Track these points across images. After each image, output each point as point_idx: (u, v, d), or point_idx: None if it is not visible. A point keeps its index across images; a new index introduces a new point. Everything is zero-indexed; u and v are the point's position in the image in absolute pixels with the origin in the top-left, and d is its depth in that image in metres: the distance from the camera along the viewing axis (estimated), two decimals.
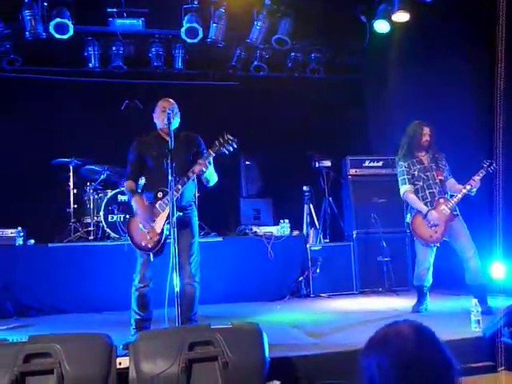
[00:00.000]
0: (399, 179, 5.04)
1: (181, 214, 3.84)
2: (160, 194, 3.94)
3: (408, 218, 5.01)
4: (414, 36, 6.51)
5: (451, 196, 4.85)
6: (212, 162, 3.99)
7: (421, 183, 4.92)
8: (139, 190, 4.21)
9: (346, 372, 3.34)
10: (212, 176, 4.09)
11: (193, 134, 4.25)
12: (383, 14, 6.55)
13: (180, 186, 3.82)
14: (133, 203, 4.02)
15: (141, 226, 3.95)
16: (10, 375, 2.63)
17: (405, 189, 4.97)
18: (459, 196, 4.74)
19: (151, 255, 3.92)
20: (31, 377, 2.71)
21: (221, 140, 3.87)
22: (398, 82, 7.18)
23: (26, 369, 2.69)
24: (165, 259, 3.89)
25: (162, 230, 3.89)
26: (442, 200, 4.80)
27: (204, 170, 3.88)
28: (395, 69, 7.22)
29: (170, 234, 3.71)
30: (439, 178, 4.90)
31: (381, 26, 6.59)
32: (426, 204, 4.84)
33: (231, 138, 3.89)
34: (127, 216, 6.23)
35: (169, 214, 3.76)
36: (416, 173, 4.93)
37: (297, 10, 6.88)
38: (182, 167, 3.91)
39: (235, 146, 3.96)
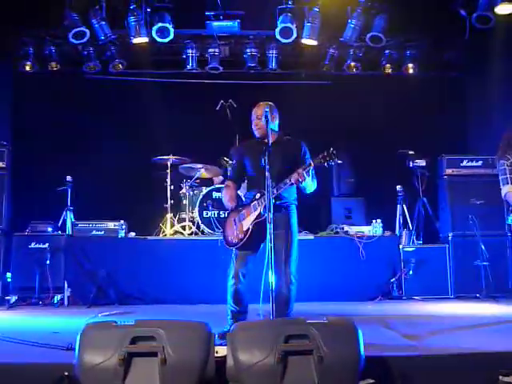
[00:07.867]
0: (500, 179, 4.77)
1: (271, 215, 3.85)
2: (258, 196, 4.03)
3: (510, 220, 4.75)
4: None
5: None
6: (312, 172, 3.97)
7: None
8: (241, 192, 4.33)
9: (444, 376, 3.26)
10: (309, 186, 4.05)
11: (296, 140, 4.25)
12: (485, 6, 6.25)
13: (275, 191, 3.83)
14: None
15: (233, 222, 4.11)
16: (118, 355, 2.82)
17: (507, 189, 4.69)
18: None
19: (238, 250, 4.04)
20: (137, 358, 2.86)
21: (325, 153, 3.87)
22: (502, 80, 6.81)
23: (132, 350, 2.85)
24: (263, 256, 3.97)
25: (249, 228, 3.98)
26: None
27: (300, 180, 3.88)
28: (498, 65, 6.85)
29: (264, 232, 3.75)
30: None
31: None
32: None
33: (335, 154, 3.87)
34: (221, 212, 6.45)
35: (259, 214, 3.89)
36: None
37: (391, 5, 6.74)
38: (280, 172, 3.91)
39: (337, 163, 3.97)
